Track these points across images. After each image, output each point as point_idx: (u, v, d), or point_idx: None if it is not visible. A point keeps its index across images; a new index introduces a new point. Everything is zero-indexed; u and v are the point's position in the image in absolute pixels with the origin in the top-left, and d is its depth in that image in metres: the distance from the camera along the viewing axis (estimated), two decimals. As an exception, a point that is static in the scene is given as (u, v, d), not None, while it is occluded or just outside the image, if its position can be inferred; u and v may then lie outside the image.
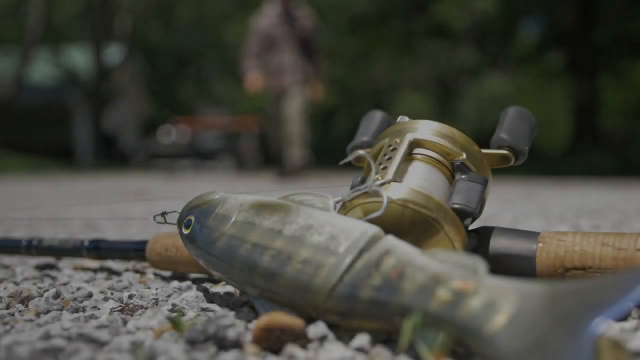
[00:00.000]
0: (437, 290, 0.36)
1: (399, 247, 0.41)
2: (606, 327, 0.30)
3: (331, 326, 0.42)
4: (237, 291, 0.59)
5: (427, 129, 0.54)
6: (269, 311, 0.43)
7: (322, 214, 0.45)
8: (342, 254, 0.41)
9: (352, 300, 0.39)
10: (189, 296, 0.53)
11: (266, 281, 0.44)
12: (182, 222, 0.54)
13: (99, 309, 0.54)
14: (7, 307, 0.55)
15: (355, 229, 0.43)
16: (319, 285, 0.41)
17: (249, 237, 0.46)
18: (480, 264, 0.37)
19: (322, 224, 0.44)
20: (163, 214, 0.61)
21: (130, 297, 0.58)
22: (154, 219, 0.61)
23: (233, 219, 0.49)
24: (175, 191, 2.85)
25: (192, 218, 0.53)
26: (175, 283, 0.64)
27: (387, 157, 0.52)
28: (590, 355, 0.29)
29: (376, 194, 0.48)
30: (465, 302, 0.35)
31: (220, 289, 0.60)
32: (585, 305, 0.31)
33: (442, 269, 0.38)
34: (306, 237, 0.44)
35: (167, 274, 0.72)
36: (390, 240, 0.42)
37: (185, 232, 0.53)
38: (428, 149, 0.53)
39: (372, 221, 0.46)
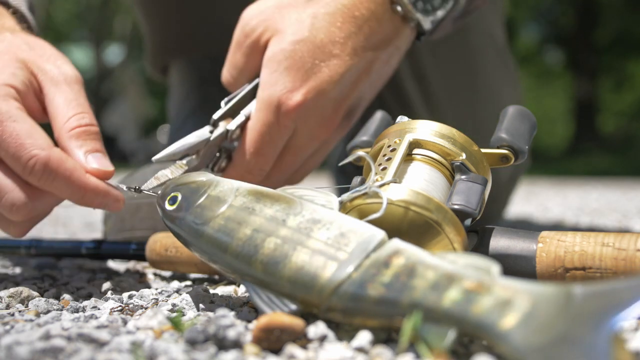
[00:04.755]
0: (449, 288, 0.36)
1: (408, 249, 0.41)
2: (620, 328, 0.31)
3: (331, 326, 0.42)
4: (237, 291, 0.59)
5: (426, 129, 0.54)
6: (262, 299, 0.42)
7: (328, 211, 0.45)
8: (352, 252, 0.41)
9: (359, 299, 0.39)
10: (189, 296, 0.53)
11: (265, 271, 0.42)
12: (166, 197, 0.50)
13: (99, 309, 0.54)
14: (7, 307, 0.55)
15: (366, 230, 0.42)
16: (325, 282, 0.40)
17: (248, 223, 0.44)
18: (493, 266, 0.37)
19: (330, 221, 0.43)
20: (137, 189, 0.57)
21: (130, 297, 0.58)
22: (126, 188, 0.57)
23: (229, 202, 0.46)
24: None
25: (179, 195, 0.49)
26: (175, 283, 0.64)
27: (386, 158, 0.52)
28: (607, 355, 0.29)
29: (376, 195, 0.48)
30: (479, 299, 0.35)
31: (220, 289, 0.60)
32: (602, 307, 0.31)
33: (455, 269, 0.37)
34: (313, 230, 0.43)
35: (167, 274, 0.72)
36: (399, 242, 0.42)
37: (170, 208, 0.49)
38: (427, 149, 0.53)
39: (371, 222, 0.46)
